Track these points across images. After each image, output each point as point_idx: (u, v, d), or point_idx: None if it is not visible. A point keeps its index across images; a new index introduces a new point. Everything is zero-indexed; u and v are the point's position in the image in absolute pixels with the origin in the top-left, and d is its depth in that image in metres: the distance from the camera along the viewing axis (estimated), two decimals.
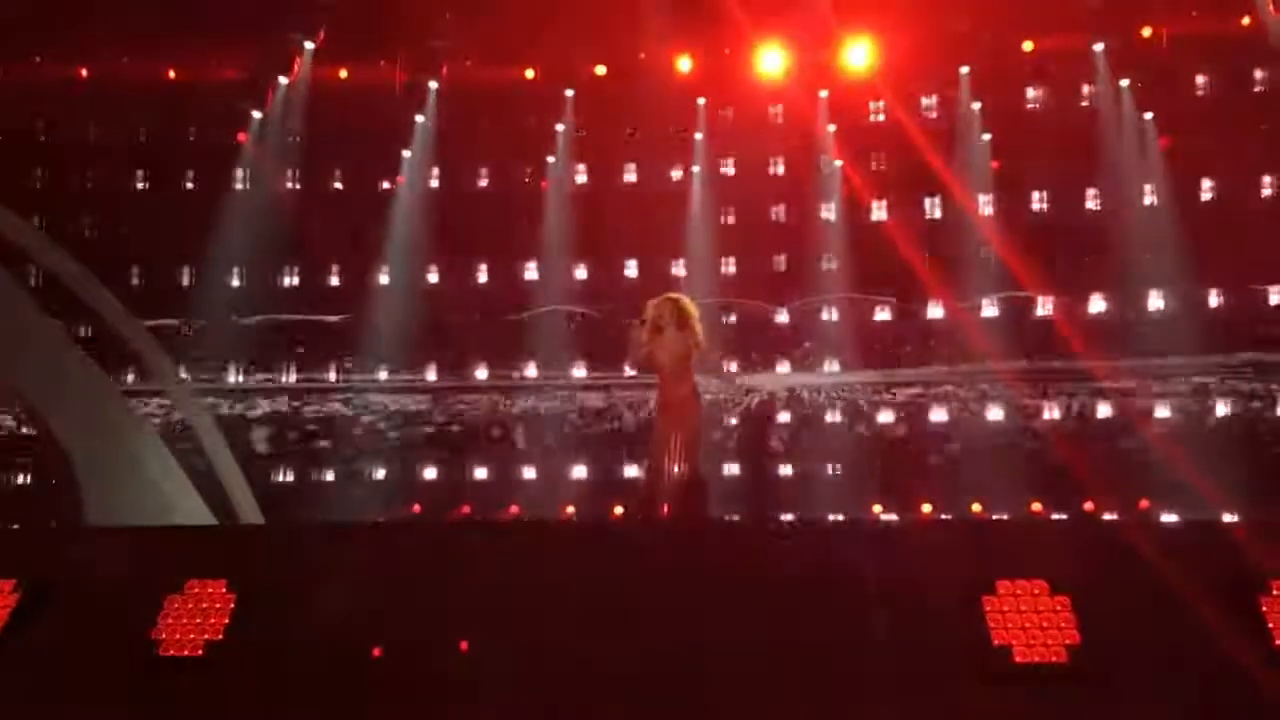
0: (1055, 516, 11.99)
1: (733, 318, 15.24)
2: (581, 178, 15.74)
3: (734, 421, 15.11)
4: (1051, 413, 14.87)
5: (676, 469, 5.81)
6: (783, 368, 15.51)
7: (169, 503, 9.14)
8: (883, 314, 15.54)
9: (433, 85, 15.22)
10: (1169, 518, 10.90)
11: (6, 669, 3.71)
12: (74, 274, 9.59)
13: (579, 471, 14.91)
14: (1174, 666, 3.44)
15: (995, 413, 15.01)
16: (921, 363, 15.30)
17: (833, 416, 15.29)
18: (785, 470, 14.89)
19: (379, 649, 3.65)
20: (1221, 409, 14.42)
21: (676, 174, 15.52)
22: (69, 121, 15.25)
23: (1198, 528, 4.23)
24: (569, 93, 15.34)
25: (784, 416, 15.36)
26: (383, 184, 15.50)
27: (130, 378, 12.82)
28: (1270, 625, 3.46)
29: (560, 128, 15.41)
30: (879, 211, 15.31)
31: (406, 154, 15.42)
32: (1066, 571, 3.67)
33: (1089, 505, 12.49)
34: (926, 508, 13.01)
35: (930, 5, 14.02)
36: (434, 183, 15.60)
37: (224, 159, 15.18)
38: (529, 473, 14.91)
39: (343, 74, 15.10)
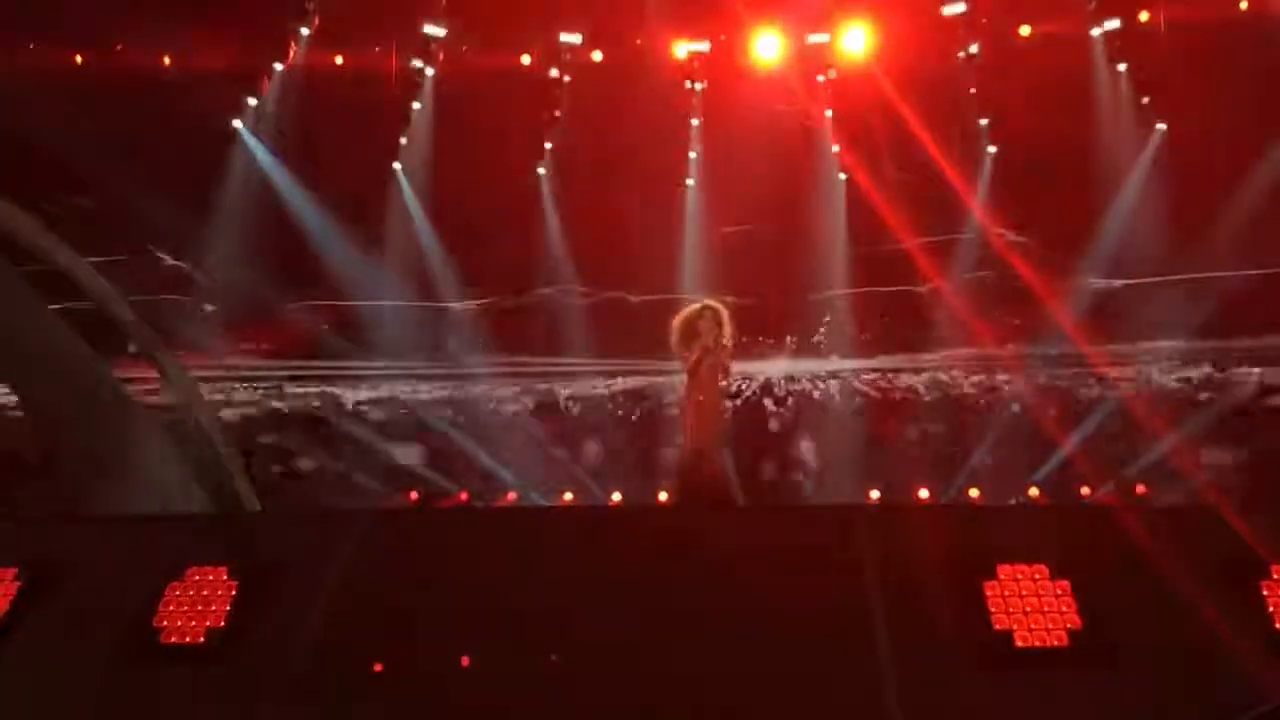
0: (1055, 501, 12.05)
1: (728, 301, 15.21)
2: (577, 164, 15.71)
3: (735, 404, 15.17)
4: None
5: (699, 468, 5.88)
6: (780, 354, 15.55)
7: (167, 489, 9.13)
8: (881, 299, 15.56)
9: (429, 72, 15.19)
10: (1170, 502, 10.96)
11: (7, 657, 3.71)
12: (69, 260, 9.56)
13: None
14: (1175, 650, 3.45)
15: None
16: (922, 348, 15.34)
17: (834, 402, 15.36)
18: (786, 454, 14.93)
19: (379, 665, 3.65)
20: None
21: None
22: (62, 108, 15.17)
23: (1199, 511, 4.22)
24: (566, 79, 15.33)
25: (782, 401, 15.43)
26: (379, 170, 15.49)
27: (126, 363, 12.78)
28: (1271, 609, 3.46)
29: (557, 114, 15.43)
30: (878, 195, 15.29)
31: (403, 141, 15.42)
32: (1067, 556, 3.67)
33: (1085, 490, 12.56)
34: (924, 493, 13.06)
35: None
36: (431, 169, 15.58)
37: (218, 146, 15.14)
38: None
39: (339, 60, 15.06)
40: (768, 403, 15.42)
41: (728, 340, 6.12)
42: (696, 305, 6.27)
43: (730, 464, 6.10)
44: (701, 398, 6.13)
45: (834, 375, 15.49)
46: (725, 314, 6.19)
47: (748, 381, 15.31)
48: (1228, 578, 3.56)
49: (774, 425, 15.22)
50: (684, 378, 6.41)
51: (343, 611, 3.74)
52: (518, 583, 3.84)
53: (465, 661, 3.57)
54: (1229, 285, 14.18)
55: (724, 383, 6.21)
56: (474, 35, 15.03)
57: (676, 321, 6.28)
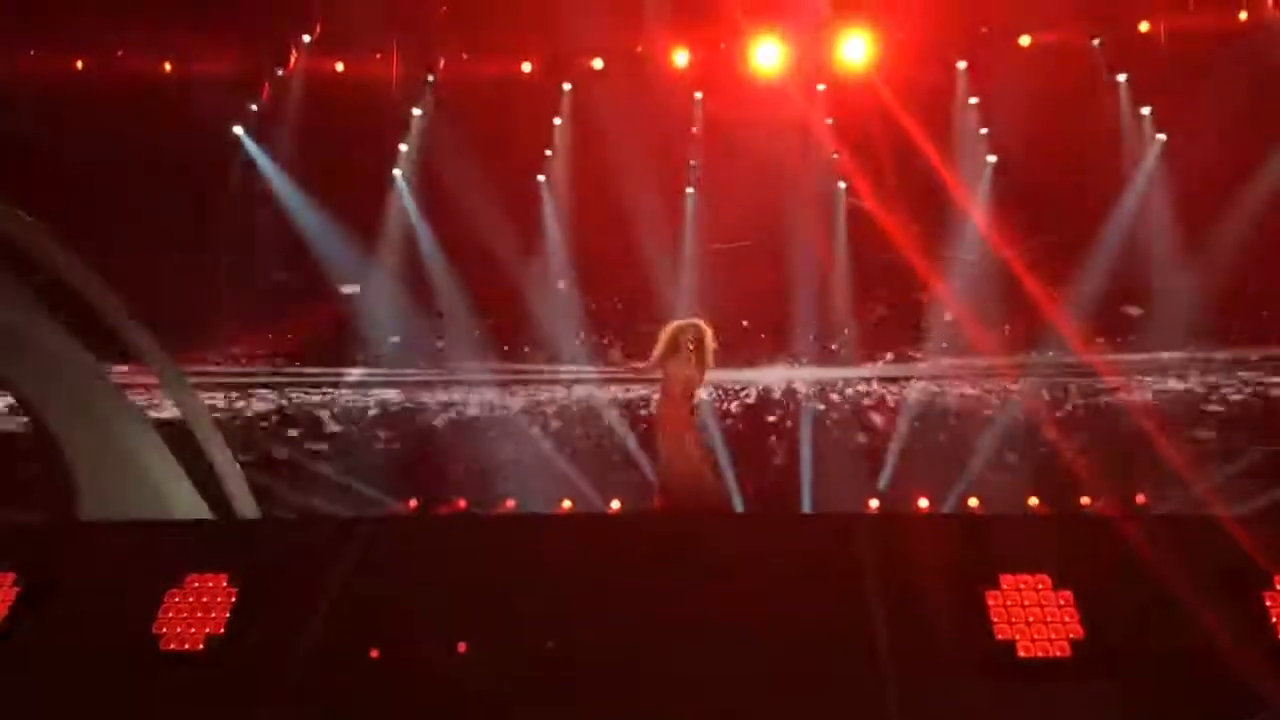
0: (1058, 511, 12.03)
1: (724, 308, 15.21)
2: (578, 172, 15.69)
3: (733, 413, 15.15)
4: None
5: (683, 479, 5.88)
6: (779, 360, 15.53)
7: (165, 496, 9.10)
8: (879, 307, 15.55)
9: (429, 78, 15.21)
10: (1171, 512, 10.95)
11: (6, 663, 3.70)
12: (70, 267, 9.53)
13: None
14: (1177, 661, 3.44)
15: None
16: (918, 356, 15.32)
17: (830, 411, 15.32)
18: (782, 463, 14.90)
19: (377, 650, 3.64)
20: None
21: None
22: (62, 114, 15.17)
23: (1202, 522, 4.23)
24: (566, 86, 15.33)
25: (781, 410, 15.40)
26: (380, 176, 15.48)
27: (125, 370, 12.76)
28: (1274, 620, 3.46)
29: (557, 121, 15.43)
30: (876, 204, 15.28)
31: (403, 148, 15.43)
32: (1070, 566, 3.67)
33: (1085, 500, 12.53)
34: (923, 502, 13.03)
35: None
36: (430, 175, 15.56)
37: (220, 152, 15.13)
38: None
39: (339, 67, 15.06)
40: (766, 411, 15.40)
41: (708, 358, 6.21)
42: (682, 321, 6.35)
43: (720, 470, 6.15)
44: (674, 412, 6.18)
45: (834, 382, 15.46)
46: (709, 334, 6.30)
47: (747, 389, 15.30)
48: (1230, 588, 3.55)
49: (770, 433, 15.20)
50: (659, 391, 6.51)
51: (342, 618, 3.73)
52: (517, 589, 3.83)
53: (463, 663, 3.57)
54: (1229, 292, 14.17)
55: (697, 396, 6.30)
56: (474, 42, 15.05)
57: (662, 334, 6.38)
